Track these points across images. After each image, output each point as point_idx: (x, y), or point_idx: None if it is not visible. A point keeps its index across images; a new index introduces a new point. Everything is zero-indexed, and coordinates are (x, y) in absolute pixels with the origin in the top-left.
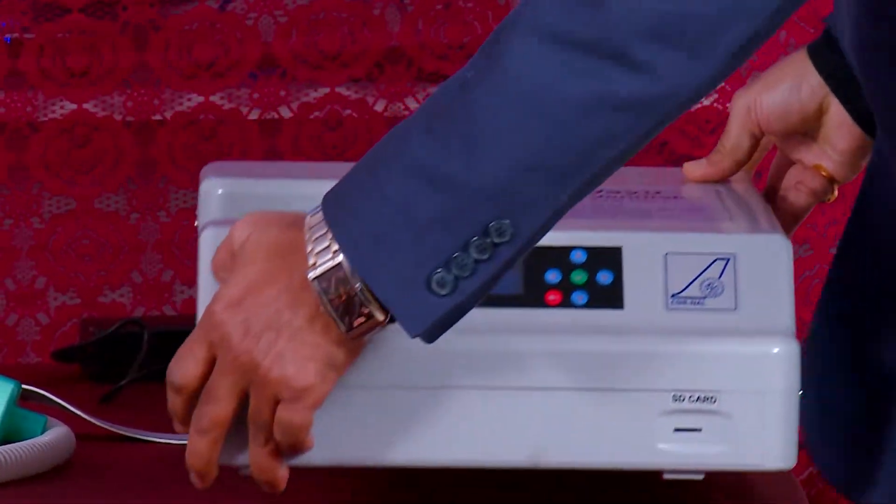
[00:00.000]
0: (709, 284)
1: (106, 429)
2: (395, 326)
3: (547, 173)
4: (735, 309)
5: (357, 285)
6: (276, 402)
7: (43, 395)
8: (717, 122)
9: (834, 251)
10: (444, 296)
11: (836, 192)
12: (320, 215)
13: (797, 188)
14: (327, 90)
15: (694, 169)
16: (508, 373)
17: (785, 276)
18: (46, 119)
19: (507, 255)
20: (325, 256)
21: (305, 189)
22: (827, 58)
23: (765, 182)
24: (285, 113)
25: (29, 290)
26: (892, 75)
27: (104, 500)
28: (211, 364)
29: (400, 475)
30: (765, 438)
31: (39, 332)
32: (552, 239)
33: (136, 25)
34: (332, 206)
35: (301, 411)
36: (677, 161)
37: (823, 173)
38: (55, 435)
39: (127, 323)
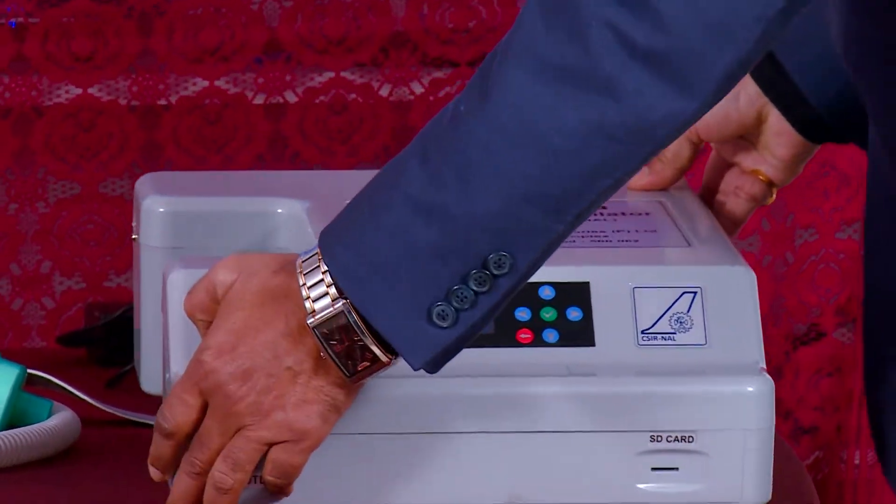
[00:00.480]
0: (678, 319)
1: (111, 413)
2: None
3: (544, 204)
4: (705, 344)
5: (359, 331)
6: (269, 446)
7: (49, 380)
8: None
9: (840, 236)
10: (445, 328)
11: (774, 196)
12: (314, 258)
13: (736, 193)
14: (332, 75)
15: (636, 179)
16: (486, 417)
17: (751, 308)
18: (51, 104)
19: (507, 287)
20: (324, 302)
21: (249, 207)
22: (763, 69)
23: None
24: (290, 97)
25: (34, 274)
26: (878, 68)
27: (109, 485)
28: (203, 409)
29: None
30: (741, 475)
31: (45, 317)
32: None
33: (140, 10)
34: (329, 241)
35: (300, 453)
36: None
37: (762, 178)
38: (61, 419)
39: (132, 307)
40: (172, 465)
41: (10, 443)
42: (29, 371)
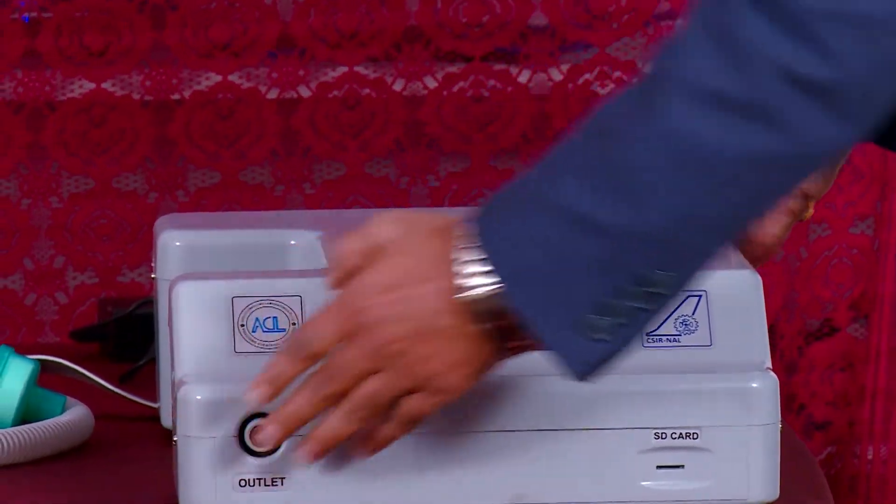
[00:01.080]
0: (683, 321)
1: (125, 409)
2: None
3: (704, 226)
4: (710, 345)
5: (513, 318)
6: (405, 393)
7: (65, 365)
8: None
9: (853, 231)
10: (597, 340)
11: (811, 210)
12: (470, 240)
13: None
14: (346, 69)
15: None
16: (490, 416)
17: (757, 311)
18: (64, 98)
19: (660, 304)
20: (479, 280)
21: (262, 239)
22: None
23: None
24: (304, 92)
25: (47, 269)
26: None
27: (123, 480)
28: (346, 339)
29: None
30: (747, 472)
31: (58, 312)
32: None
33: (153, 4)
34: (489, 234)
35: (434, 406)
36: None
37: (798, 191)
38: (74, 415)
39: (145, 302)
40: (277, 390)
41: (24, 438)
42: (45, 358)
